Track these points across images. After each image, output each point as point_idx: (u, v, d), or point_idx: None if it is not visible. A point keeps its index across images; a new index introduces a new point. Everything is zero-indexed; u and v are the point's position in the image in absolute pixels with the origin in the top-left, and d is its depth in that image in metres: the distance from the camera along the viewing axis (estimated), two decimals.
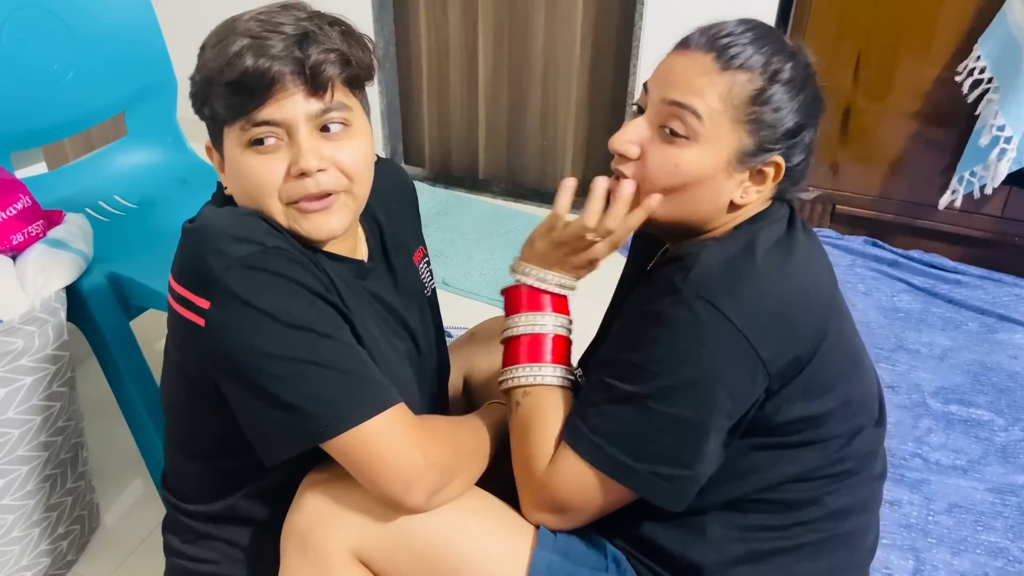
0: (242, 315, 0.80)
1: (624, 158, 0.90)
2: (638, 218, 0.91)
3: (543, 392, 0.94)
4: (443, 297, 2.42)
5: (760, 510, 0.90)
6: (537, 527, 0.92)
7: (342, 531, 0.87)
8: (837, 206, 2.40)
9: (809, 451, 0.89)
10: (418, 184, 2.88)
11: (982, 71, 2.01)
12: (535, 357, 0.96)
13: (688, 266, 0.84)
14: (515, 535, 0.91)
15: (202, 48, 0.85)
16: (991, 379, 1.87)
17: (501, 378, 0.98)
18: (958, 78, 2.05)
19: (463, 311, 2.10)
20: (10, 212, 1.27)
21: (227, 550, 1.00)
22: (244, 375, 0.81)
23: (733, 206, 0.91)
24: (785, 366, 0.83)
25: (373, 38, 3.16)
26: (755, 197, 0.90)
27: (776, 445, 0.88)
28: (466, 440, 0.95)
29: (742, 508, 0.91)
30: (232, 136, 0.85)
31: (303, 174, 0.84)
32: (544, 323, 0.97)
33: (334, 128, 0.86)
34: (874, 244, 2.36)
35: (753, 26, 0.89)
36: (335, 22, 0.88)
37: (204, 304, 0.81)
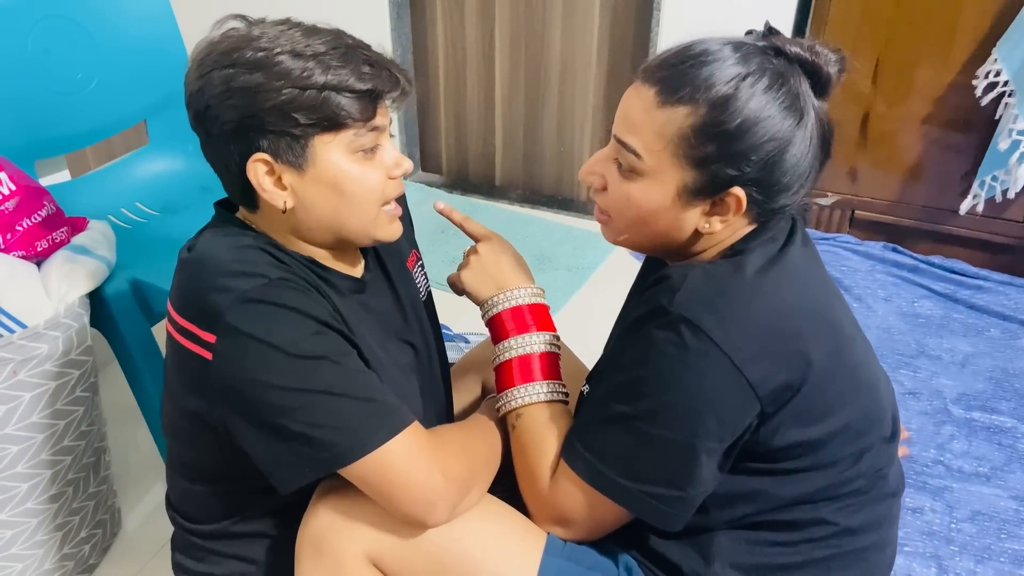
0: (250, 349, 0.81)
1: (595, 189, 0.93)
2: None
3: (536, 410, 0.96)
4: (460, 303, 2.42)
5: (768, 528, 0.90)
6: (547, 533, 0.92)
7: (357, 536, 0.87)
8: (856, 211, 2.38)
9: (814, 474, 0.88)
10: (435, 191, 2.90)
11: (998, 74, 1.99)
12: (527, 377, 0.98)
13: (674, 287, 0.83)
14: (525, 541, 0.91)
15: (269, 63, 0.83)
16: (1014, 385, 1.85)
17: (498, 404, 1.00)
18: (975, 82, 2.04)
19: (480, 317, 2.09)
20: (35, 219, 1.29)
21: (238, 566, 1.01)
22: (255, 409, 0.82)
23: (699, 234, 0.89)
24: (777, 389, 0.81)
25: (391, 46, 3.15)
26: (720, 227, 0.88)
27: (779, 471, 0.87)
28: (479, 446, 0.96)
29: (750, 526, 0.90)
30: (337, 143, 0.86)
31: (402, 174, 0.92)
32: (532, 342, 0.99)
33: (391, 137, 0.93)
34: (894, 250, 2.34)
35: (711, 53, 0.84)
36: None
37: (210, 338, 0.82)
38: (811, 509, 0.89)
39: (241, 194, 0.91)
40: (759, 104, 0.81)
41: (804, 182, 0.87)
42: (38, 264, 1.28)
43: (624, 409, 0.84)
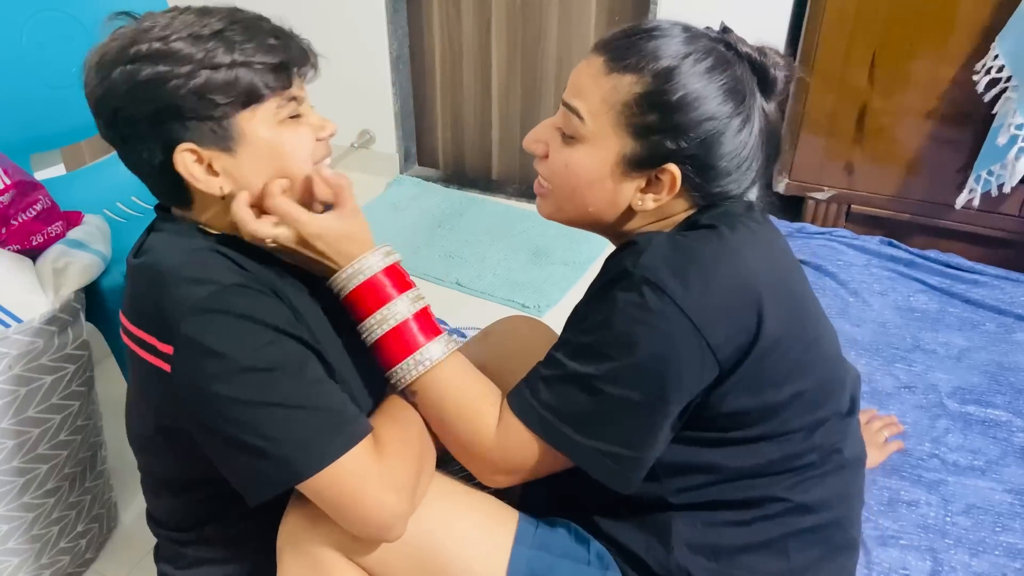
0: (205, 361, 0.79)
1: (538, 157, 0.95)
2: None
3: (443, 372, 0.91)
4: (457, 298, 2.42)
5: (722, 507, 0.91)
6: (518, 522, 0.93)
7: (334, 534, 0.87)
8: (852, 206, 2.39)
9: (766, 445, 0.89)
10: (432, 185, 2.90)
11: (1000, 70, 1.99)
12: (410, 346, 0.91)
13: (640, 251, 0.84)
14: (495, 535, 0.92)
15: (169, 51, 0.81)
16: (1009, 380, 1.85)
17: (392, 381, 0.94)
18: (975, 76, 2.04)
19: (477, 311, 2.10)
20: (30, 213, 1.28)
21: (224, 569, 1.01)
22: (215, 422, 0.81)
23: (633, 211, 0.91)
24: (734, 351, 0.83)
25: (387, 40, 3.14)
26: (652, 205, 0.90)
27: (730, 440, 0.88)
28: (415, 435, 0.93)
29: (705, 505, 0.91)
30: (261, 116, 0.85)
31: (329, 136, 0.92)
32: (398, 309, 0.90)
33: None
34: (890, 244, 2.35)
35: (661, 30, 0.87)
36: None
37: (168, 350, 0.81)
38: (764, 485, 0.90)
39: (170, 192, 0.89)
40: (701, 82, 0.85)
41: (744, 172, 0.89)
42: (33, 258, 1.28)
43: (585, 369, 0.85)
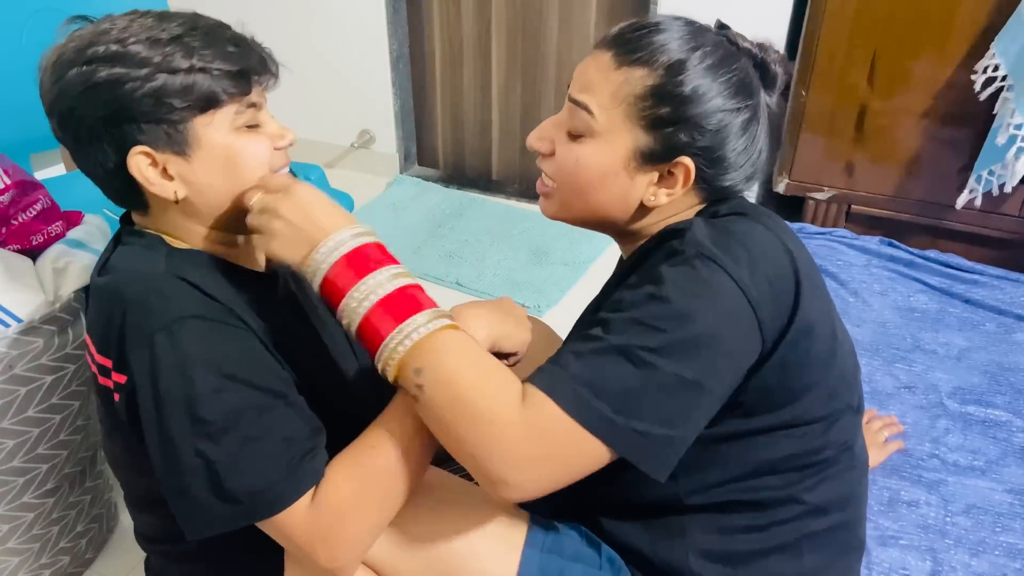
0: (149, 401, 0.79)
1: (542, 155, 0.93)
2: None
3: (440, 342, 0.78)
4: (457, 297, 2.42)
5: (737, 510, 0.89)
6: (528, 525, 0.91)
7: None
8: (852, 206, 2.39)
9: (784, 437, 0.87)
10: (432, 185, 2.90)
11: (996, 69, 1.99)
12: (405, 311, 0.78)
13: (684, 233, 0.84)
14: (507, 536, 0.90)
15: (127, 53, 0.80)
16: (1009, 380, 1.85)
17: (381, 367, 0.80)
18: (974, 77, 2.04)
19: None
20: (30, 213, 1.29)
21: None
22: (157, 456, 0.81)
23: (645, 208, 0.90)
24: (773, 334, 0.82)
25: (387, 40, 3.13)
26: (665, 200, 0.89)
27: (748, 431, 0.86)
28: (383, 470, 0.83)
29: (719, 507, 0.90)
30: (218, 122, 0.84)
31: (288, 145, 0.90)
32: (381, 279, 0.79)
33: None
34: (890, 244, 2.34)
35: (665, 24, 0.88)
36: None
37: (120, 379, 0.81)
38: (780, 484, 0.89)
39: (125, 196, 0.88)
40: (712, 74, 0.85)
41: (752, 164, 0.90)
42: (33, 258, 1.28)
43: (633, 341, 0.77)
